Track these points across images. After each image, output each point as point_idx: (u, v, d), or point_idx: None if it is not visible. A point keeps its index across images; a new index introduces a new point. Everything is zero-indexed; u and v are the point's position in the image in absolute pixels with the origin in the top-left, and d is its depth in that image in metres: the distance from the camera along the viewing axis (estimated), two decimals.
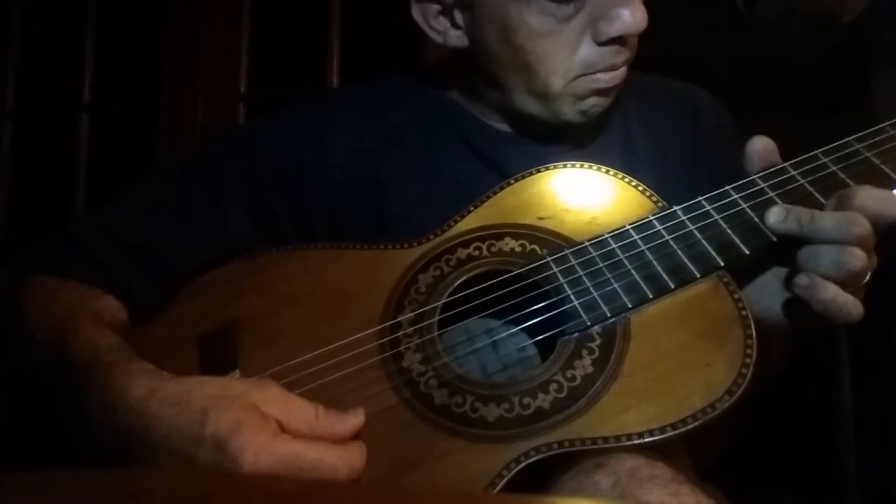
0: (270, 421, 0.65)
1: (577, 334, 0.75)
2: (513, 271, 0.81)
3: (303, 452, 0.64)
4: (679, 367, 0.70)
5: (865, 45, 1.51)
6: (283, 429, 0.66)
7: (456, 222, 0.86)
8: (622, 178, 0.86)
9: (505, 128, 0.99)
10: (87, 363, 0.72)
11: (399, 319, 0.79)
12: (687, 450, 0.79)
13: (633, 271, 0.77)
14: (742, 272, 0.79)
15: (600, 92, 0.90)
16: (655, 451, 0.67)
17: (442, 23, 0.93)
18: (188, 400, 0.66)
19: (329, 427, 0.67)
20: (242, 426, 0.64)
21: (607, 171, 0.86)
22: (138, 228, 0.90)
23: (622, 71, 0.90)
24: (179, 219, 0.91)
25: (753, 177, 0.80)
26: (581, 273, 0.78)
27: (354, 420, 0.69)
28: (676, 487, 0.63)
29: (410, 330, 0.78)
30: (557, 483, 0.66)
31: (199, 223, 0.91)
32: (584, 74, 0.88)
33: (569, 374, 0.72)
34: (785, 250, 0.75)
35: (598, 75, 0.89)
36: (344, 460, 0.65)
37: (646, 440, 0.66)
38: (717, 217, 0.78)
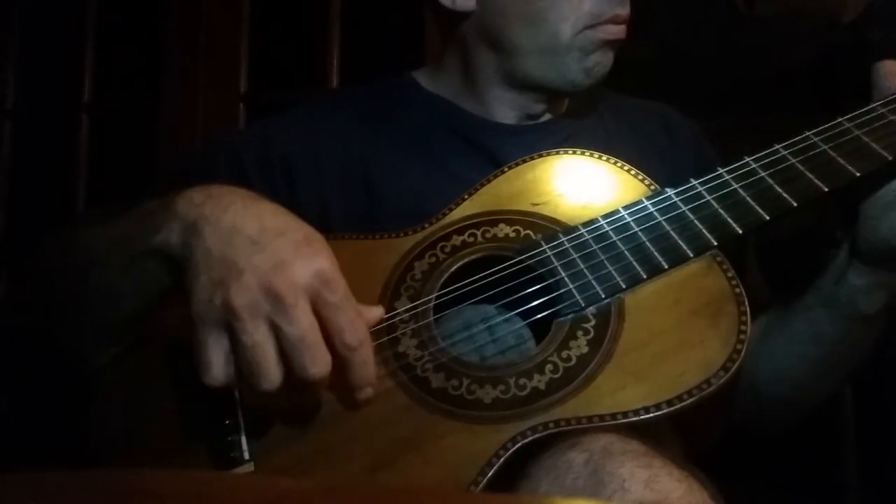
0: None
1: (571, 315, 0.75)
2: (507, 256, 0.81)
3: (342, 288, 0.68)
4: (674, 344, 0.70)
5: (865, 45, 1.52)
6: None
7: (451, 210, 0.86)
8: (614, 163, 0.86)
9: (499, 118, 1.00)
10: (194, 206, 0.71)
11: (395, 305, 0.79)
12: (680, 433, 0.79)
13: (626, 252, 0.77)
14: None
15: (605, 44, 0.94)
16: (644, 433, 0.67)
17: None
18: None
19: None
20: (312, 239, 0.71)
21: (600, 157, 0.87)
22: None
23: (623, 28, 0.94)
24: None
25: (746, 159, 0.81)
26: (575, 256, 0.78)
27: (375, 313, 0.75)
28: (648, 460, 0.63)
29: (406, 316, 0.78)
30: (534, 463, 0.66)
31: None
32: (591, 27, 0.93)
33: (564, 354, 0.72)
34: None
35: (605, 26, 0.93)
36: (358, 326, 0.68)
37: (641, 417, 0.66)
38: (709, 198, 0.79)
